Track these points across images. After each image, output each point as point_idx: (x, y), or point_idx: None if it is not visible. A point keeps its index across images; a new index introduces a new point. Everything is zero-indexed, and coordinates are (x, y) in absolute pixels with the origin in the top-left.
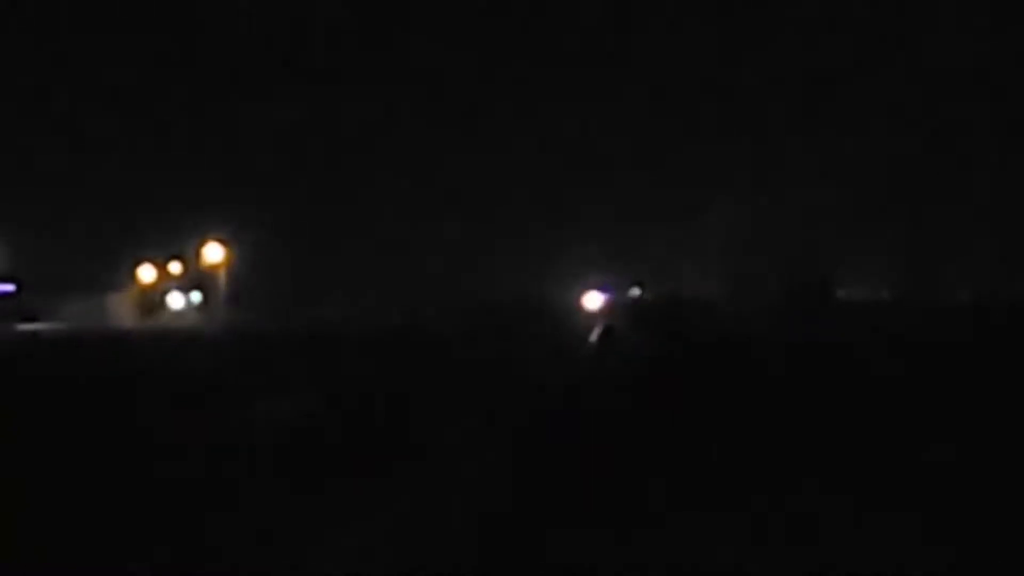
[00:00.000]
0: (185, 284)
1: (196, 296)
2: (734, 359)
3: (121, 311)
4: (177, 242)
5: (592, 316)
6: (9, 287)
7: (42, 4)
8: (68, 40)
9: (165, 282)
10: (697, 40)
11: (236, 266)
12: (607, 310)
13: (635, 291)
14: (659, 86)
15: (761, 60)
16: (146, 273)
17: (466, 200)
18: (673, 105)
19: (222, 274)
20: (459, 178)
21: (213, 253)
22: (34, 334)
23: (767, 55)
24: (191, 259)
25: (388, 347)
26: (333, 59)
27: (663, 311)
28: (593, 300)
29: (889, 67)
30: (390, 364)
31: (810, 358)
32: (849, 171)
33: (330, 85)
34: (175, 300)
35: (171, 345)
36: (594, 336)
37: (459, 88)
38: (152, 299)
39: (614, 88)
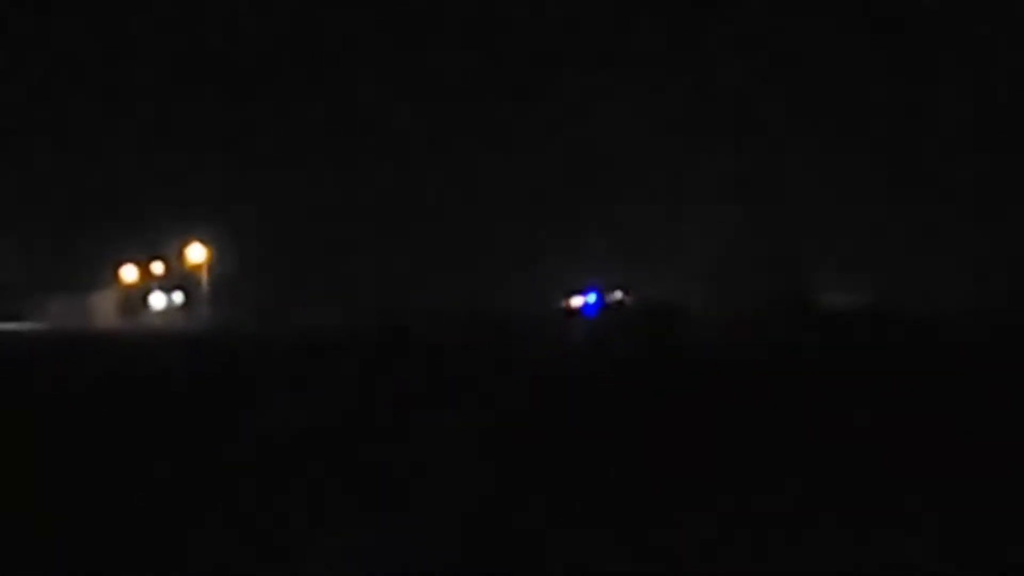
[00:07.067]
0: (167, 284)
1: (178, 296)
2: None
3: (104, 311)
4: (159, 242)
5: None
6: None
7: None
8: (55, 42)
9: (147, 282)
10: (682, 45)
11: (218, 266)
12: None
13: (617, 294)
14: (649, 93)
15: (746, 66)
16: (128, 273)
17: (453, 202)
18: (663, 111)
19: (204, 274)
20: (447, 180)
21: (195, 253)
22: (17, 333)
23: (752, 60)
24: (173, 259)
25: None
26: (319, 61)
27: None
28: (579, 301)
29: (875, 76)
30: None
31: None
32: (835, 179)
33: (313, 86)
34: (157, 300)
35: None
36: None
37: (444, 93)
38: (134, 299)
39: (603, 93)
